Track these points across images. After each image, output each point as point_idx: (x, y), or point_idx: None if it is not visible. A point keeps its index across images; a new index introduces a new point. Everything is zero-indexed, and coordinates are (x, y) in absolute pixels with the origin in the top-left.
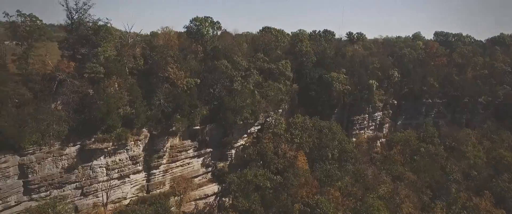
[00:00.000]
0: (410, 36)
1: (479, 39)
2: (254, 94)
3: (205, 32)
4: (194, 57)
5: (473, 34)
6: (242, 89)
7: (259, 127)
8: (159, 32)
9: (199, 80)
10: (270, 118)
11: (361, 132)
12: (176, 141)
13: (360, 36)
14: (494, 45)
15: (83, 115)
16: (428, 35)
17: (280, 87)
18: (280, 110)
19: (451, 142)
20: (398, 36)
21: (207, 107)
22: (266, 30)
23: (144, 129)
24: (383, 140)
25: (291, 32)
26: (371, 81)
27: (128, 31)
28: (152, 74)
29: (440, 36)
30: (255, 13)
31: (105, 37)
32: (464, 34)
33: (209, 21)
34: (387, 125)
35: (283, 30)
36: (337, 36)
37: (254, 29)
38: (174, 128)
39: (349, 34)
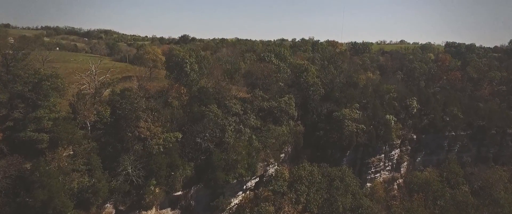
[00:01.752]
0: (419, 44)
1: (487, 46)
2: (251, 142)
3: (189, 71)
4: (177, 98)
5: (479, 36)
6: (235, 142)
7: (257, 180)
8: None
9: (180, 135)
10: (270, 166)
11: (376, 175)
12: (152, 212)
13: (366, 47)
14: (510, 58)
15: (18, 198)
16: (430, 37)
17: (283, 130)
18: (282, 155)
19: (478, 183)
20: (402, 41)
21: (192, 164)
22: (266, 57)
23: (107, 204)
24: (400, 180)
25: (292, 40)
26: (388, 116)
27: (94, 71)
28: (121, 130)
29: (452, 47)
30: (253, 15)
31: (49, 94)
32: (471, 41)
33: (194, 56)
34: (405, 164)
35: (286, 48)
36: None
37: (253, 33)
38: (147, 200)
39: (354, 45)
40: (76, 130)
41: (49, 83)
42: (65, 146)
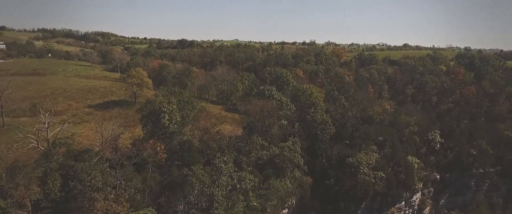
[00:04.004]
0: (423, 48)
1: (489, 48)
2: (248, 202)
3: (167, 123)
4: (152, 157)
5: (482, 38)
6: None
7: None
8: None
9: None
10: None
11: None
12: None
13: (373, 58)
14: None
15: None
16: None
17: (287, 184)
18: (285, 210)
19: None
20: (405, 44)
21: None
22: (266, 91)
23: None
24: None
25: (293, 43)
26: (410, 158)
27: (46, 123)
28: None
29: (465, 59)
30: (254, 16)
31: None
32: (474, 42)
33: (175, 102)
34: (427, 209)
35: (288, 59)
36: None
37: (254, 34)
38: None
39: (360, 55)
40: None
41: None
42: None
